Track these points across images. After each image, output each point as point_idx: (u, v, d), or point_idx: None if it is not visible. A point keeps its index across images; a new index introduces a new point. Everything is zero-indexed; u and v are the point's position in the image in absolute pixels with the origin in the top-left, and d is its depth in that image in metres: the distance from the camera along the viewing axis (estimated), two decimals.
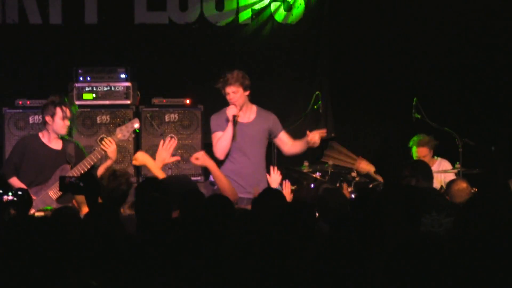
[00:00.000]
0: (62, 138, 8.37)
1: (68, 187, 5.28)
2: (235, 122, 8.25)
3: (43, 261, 4.20)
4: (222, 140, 8.22)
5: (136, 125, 8.44)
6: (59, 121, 8.25)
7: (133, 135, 8.77)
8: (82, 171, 8.12)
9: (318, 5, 10.76)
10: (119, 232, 4.25)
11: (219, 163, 8.17)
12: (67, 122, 8.27)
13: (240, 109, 8.33)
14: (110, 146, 8.18)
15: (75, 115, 8.82)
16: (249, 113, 8.45)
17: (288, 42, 10.71)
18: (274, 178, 8.04)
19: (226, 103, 8.35)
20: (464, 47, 10.84)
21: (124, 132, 8.39)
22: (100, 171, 8.25)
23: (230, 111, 8.20)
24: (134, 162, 8.11)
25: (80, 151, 8.44)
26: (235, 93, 8.28)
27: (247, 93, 8.37)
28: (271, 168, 8.13)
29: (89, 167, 8.18)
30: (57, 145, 8.35)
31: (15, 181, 8.13)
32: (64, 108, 8.24)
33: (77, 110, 9.14)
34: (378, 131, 10.62)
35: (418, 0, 10.84)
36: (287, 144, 8.52)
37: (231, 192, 7.48)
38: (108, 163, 8.17)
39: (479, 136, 10.18)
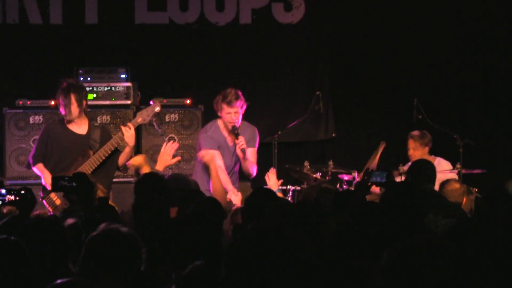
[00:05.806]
0: (89, 123, 8.24)
1: (60, 187, 5.26)
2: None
3: (43, 261, 4.21)
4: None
5: (157, 109, 8.22)
6: (60, 109, 8.19)
7: (154, 119, 8.35)
8: (104, 157, 7.97)
9: (318, 5, 10.76)
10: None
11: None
12: (66, 109, 8.05)
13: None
14: (128, 131, 7.97)
15: (82, 101, 8.20)
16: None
17: (288, 42, 10.71)
18: (273, 181, 7.84)
19: None
20: (464, 47, 10.84)
21: (144, 116, 8.16)
22: (121, 159, 8.10)
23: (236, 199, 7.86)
24: (128, 165, 7.95)
25: (106, 136, 8.18)
26: (241, 111, 8.27)
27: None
28: (271, 170, 8.02)
29: (108, 153, 7.97)
30: (81, 129, 8.17)
31: (40, 167, 8.06)
32: (58, 96, 8.10)
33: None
34: (378, 131, 10.62)
35: (418, 0, 10.84)
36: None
37: (222, 196, 7.53)
38: (127, 150, 8.00)
39: (479, 136, 10.18)
